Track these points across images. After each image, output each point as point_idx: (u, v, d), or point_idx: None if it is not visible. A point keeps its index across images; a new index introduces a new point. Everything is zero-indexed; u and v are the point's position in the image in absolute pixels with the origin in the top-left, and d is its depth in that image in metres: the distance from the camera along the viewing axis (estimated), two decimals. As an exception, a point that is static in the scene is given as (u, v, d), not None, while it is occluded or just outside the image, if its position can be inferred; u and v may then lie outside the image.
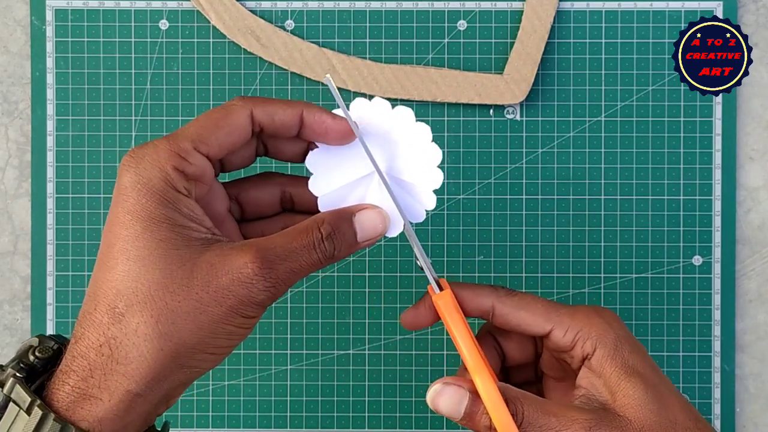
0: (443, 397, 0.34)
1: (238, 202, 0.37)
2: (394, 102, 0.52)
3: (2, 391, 0.31)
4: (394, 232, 0.36)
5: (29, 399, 0.30)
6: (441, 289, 0.36)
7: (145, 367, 0.30)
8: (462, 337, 0.35)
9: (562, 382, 0.39)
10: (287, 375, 0.52)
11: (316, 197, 0.36)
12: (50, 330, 0.51)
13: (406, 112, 0.36)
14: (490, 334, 0.39)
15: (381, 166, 0.35)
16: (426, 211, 0.36)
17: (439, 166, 0.36)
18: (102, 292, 0.31)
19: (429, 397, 0.34)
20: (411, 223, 0.36)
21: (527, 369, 0.40)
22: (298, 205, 0.38)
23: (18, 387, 0.31)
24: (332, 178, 0.35)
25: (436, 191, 0.36)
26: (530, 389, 0.36)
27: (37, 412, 0.30)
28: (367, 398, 0.51)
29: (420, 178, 0.36)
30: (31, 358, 0.32)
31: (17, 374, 0.31)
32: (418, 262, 0.36)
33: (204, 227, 0.32)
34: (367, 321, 0.52)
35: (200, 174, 0.33)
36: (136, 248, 0.31)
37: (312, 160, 0.36)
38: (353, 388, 0.52)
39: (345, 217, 0.34)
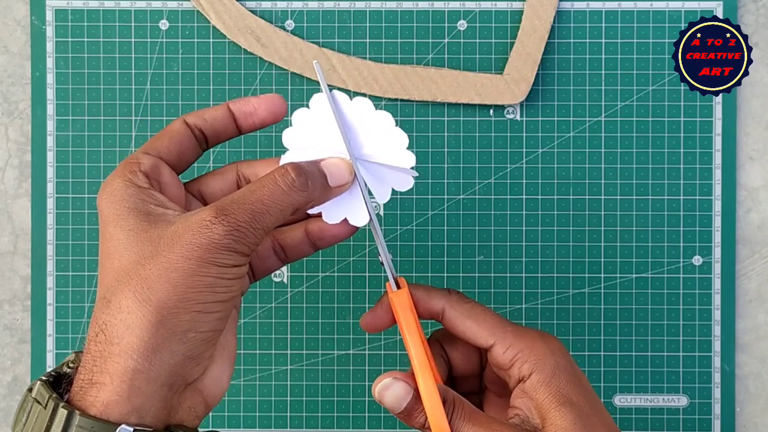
0: (390, 391, 0.36)
1: (202, 198, 0.39)
2: (394, 102, 0.52)
3: (30, 394, 0.33)
4: (360, 221, 0.37)
5: (47, 395, 0.32)
6: (398, 287, 0.37)
7: (135, 338, 0.31)
8: (411, 336, 0.36)
9: (502, 398, 0.40)
10: (287, 375, 0.52)
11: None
12: (50, 330, 0.51)
13: (365, 103, 0.36)
14: (438, 342, 0.40)
15: (353, 151, 0.36)
16: (399, 192, 0.38)
17: (408, 149, 0.37)
18: (98, 294, 0.33)
19: (377, 388, 0.36)
20: (378, 218, 0.37)
21: (472, 380, 0.41)
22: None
23: (41, 387, 0.32)
24: (305, 155, 0.36)
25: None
26: (472, 399, 0.38)
27: (50, 405, 0.31)
28: (367, 398, 0.51)
29: (391, 159, 0.36)
30: (65, 369, 0.34)
31: (42, 378, 0.33)
32: (379, 258, 0.37)
33: (171, 209, 0.34)
34: (367, 321, 0.52)
35: (152, 168, 0.36)
36: (113, 245, 0.33)
37: (288, 137, 0.37)
38: (353, 388, 0.52)
39: (311, 163, 0.35)
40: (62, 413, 0.31)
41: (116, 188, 0.34)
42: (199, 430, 0.34)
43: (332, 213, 0.37)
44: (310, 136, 0.37)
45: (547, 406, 0.35)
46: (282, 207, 0.33)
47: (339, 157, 0.36)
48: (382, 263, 0.37)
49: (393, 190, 0.37)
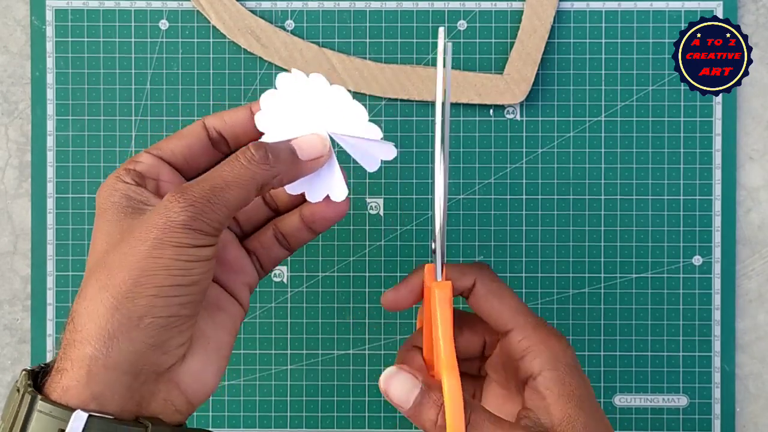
0: (396, 382, 0.34)
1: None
2: (394, 102, 0.52)
3: (16, 384, 0.33)
4: (340, 196, 0.36)
5: (24, 382, 0.32)
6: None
7: (94, 324, 0.31)
8: (445, 332, 0.34)
9: (504, 390, 0.39)
10: (287, 375, 0.52)
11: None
12: (50, 330, 0.51)
13: (319, 78, 0.36)
14: None
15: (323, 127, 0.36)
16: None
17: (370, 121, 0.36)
18: None
19: (382, 379, 0.34)
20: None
21: (470, 364, 0.40)
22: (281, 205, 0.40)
23: (22, 376, 0.32)
24: (281, 137, 0.36)
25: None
26: (467, 382, 0.38)
27: (21, 390, 0.32)
28: (367, 398, 0.51)
29: (362, 133, 0.36)
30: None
31: (27, 368, 0.33)
32: (433, 244, 0.36)
33: (152, 204, 0.34)
34: (367, 321, 0.52)
35: (149, 168, 0.35)
36: (95, 237, 0.34)
37: (260, 121, 0.37)
38: (353, 388, 0.52)
39: (280, 141, 0.35)
40: (27, 398, 0.31)
41: (107, 184, 0.35)
42: (188, 427, 0.34)
43: (313, 191, 0.37)
44: (281, 117, 0.36)
45: (562, 405, 0.34)
46: (242, 182, 0.32)
47: (313, 133, 0.36)
48: (433, 250, 0.35)
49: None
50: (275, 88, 0.37)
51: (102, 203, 0.34)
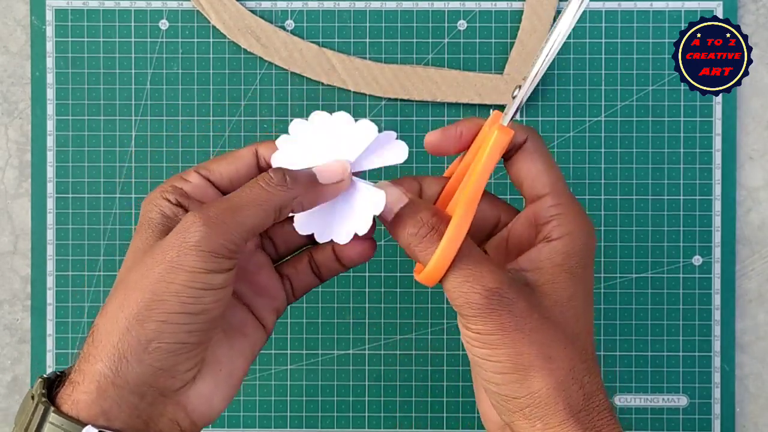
0: (391, 188, 0.34)
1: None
2: (394, 102, 0.52)
3: (31, 390, 0.33)
4: (363, 230, 0.35)
5: (39, 390, 0.32)
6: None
7: (109, 343, 0.31)
8: (483, 174, 0.33)
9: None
10: (287, 375, 0.52)
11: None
12: (50, 330, 0.51)
13: (322, 115, 0.36)
14: None
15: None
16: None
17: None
18: None
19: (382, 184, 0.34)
20: (376, 218, 0.35)
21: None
22: None
23: (38, 384, 0.33)
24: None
25: None
26: None
27: (36, 399, 0.32)
28: (367, 398, 0.51)
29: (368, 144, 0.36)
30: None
31: (43, 376, 0.33)
32: (518, 88, 0.34)
33: None
34: (367, 321, 0.52)
35: (195, 188, 0.35)
36: (129, 251, 0.34)
37: (277, 161, 0.36)
38: (353, 388, 0.52)
39: (301, 169, 0.34)
40: (40, 408, 0.31)
41: (150, 197, 0.35)
42: None
43: (339, 232, 0.36)
44: (299, 155, 0.36)
45: (554, 271, 0.34)
46: (259, 203, 0.32)
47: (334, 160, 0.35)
48: (517, 88, 0.34)
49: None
50: (288, 133, 0.36)
51: (142, 218, 0.34)
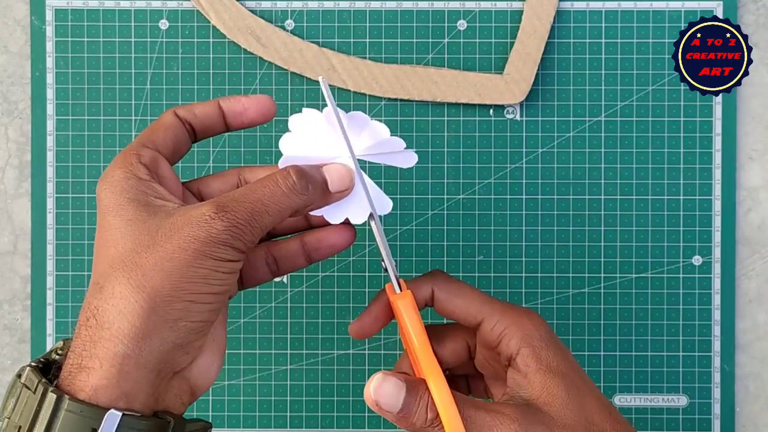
0: (384, 387, 0.35)
1: (200, 197, 0.39)
2: (394, 102, 0.52)
3: (20, 380, 0.33)
4: (360, 219, 0.37)
5: (36, 380, 0.32)
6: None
7: (126, 323, 0.31)
8: (419, 338, 0.36)
9: (499, 380, 0.40)
10: (287, 375, 0.52)
11: None
12: (50, 330, 0.51)
13: (331, 112, 0.37)
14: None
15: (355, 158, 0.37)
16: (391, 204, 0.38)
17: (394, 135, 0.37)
18: (91, 281, 0.34)
19: (371, 387, 0.35)
20: (380, 218, 0.37)
21: (463, 368, 0.41)
22: None
23: (30, 373, 0.32)
24: (303, 161, 0.36)
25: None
26: (460, 382, 0.41)
27: (39, 389, 0.31)
28: (367, 398, 0.51)
29: (385, 150, 0.37)
30: (53, 356, 0.34)
31: (32, 364, 0.33)
32: (382, 263, 0.37)
33: (171, 202, 0.35)
34: (367, 321, 0.51)
35: (151, 161, 0.36)
36: (111, 234, 0.34)
37: (285, 143, 0.37)
38: (353, 388, 0.52)
39: (313, 167, 0.36)
40: (51, 398, 0.31)
41: (117, 179, 0.35)
42: (186, 417, 0.34)
43: (334, 214, 0.37)
44: (306, 142, 0.37)
45: (541, 378, 0.35)
46: (281, 208, 0.34)
47: (340, 162, 0.36)
48: (385, 269, 0.37)
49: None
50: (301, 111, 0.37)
51: (116, 199, 0.34)
